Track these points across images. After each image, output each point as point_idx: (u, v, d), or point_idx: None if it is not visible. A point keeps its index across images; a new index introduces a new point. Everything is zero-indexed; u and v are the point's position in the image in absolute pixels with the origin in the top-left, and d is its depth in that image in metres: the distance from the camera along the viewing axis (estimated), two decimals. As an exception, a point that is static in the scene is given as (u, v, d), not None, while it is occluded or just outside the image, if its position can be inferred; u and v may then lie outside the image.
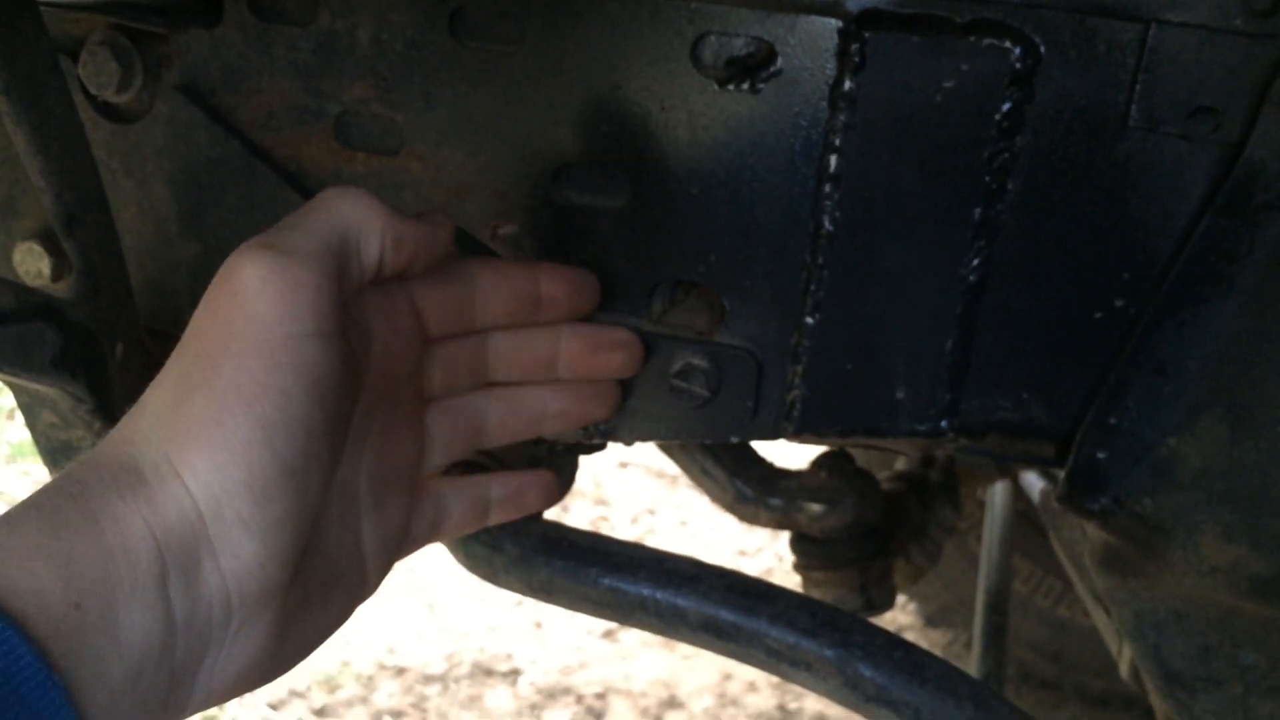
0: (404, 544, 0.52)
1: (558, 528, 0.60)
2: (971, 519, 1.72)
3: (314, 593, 0.45)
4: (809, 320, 0.54)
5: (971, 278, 0.53)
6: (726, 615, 0.54)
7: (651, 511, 2.62)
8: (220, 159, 0.59)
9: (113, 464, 0.40)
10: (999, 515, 1.38)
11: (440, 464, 0.54)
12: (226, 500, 0.39)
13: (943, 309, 0.53)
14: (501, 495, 0.56)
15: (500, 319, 0.53)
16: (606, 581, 0.56)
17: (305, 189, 0.59)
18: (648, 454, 2.80)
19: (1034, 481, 1.80)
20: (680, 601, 0.55)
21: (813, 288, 0.54)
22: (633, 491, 2.70)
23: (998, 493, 1.42)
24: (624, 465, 2.80)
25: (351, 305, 0.45)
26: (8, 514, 0.38)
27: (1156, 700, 0.82)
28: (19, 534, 0.36)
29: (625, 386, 0.58)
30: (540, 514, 0.62)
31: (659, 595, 0.55)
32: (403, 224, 0.47)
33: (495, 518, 0.56)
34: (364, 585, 0.50)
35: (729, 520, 2.62)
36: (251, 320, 0.41)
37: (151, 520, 0.38)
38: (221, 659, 0.41)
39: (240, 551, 0.40)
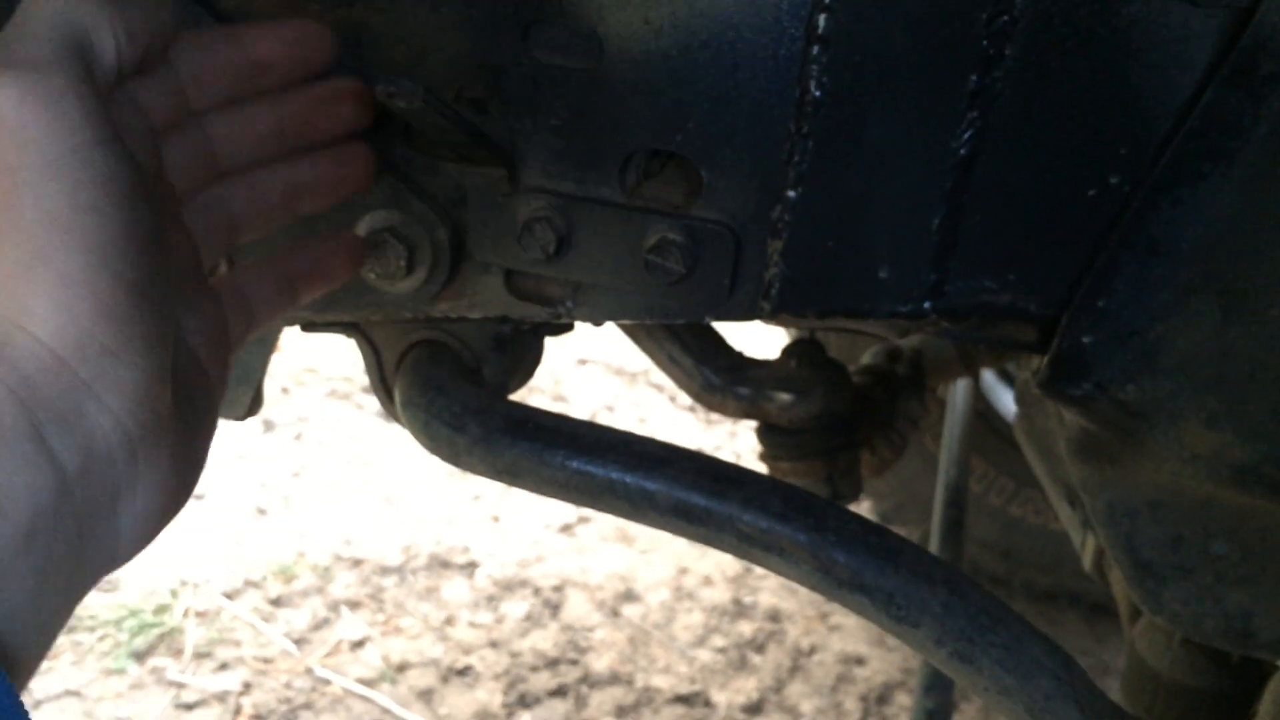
0: (227, 341, 0.49)
1: (523, 409, 0.58)
2: (929, 418, 1.73)
3: (183, 406, 0.43)
4: (791, 194, 0.51)
5: (962, 151, 0.50)
6: (697, 499, 0.53)
7: (610, 409, 2.62)
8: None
9: None
10: (959, 412, 1.38)
11: (211, 262, 0.50)
12: (85, 336, 0.37)
13: (931, 184, 0.51)
14: (305, 269, 0.53)
15: (217, 97, 0.48)
16: (574, 464, 0.54)
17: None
18: (607, 350, 2.79)
19: (992, 381, 1.81)
20: (650, 485, 0.53)
21: (796, 159, 0.51)
22: (591, 388, 2.69)
23: (959, 390, 1.42)
24: (583, 362, 2.78)
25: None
26: None
27: (1123, 590, 0.83)
28: None
29: (598, 262, 0.55)
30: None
31: (628, 478, 0.54)
32: (130, 13, 0.42)
33: (304, 294, 0.53)
34: (209, 389, 0.47)
35: (688, 418, 2.62)
36: (28, 146, 0.37)
37: (7, 379, 0.36)
38: (139, 498, 0.39)
39: (120, 383, 0.38)
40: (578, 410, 2.59)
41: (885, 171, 0.51)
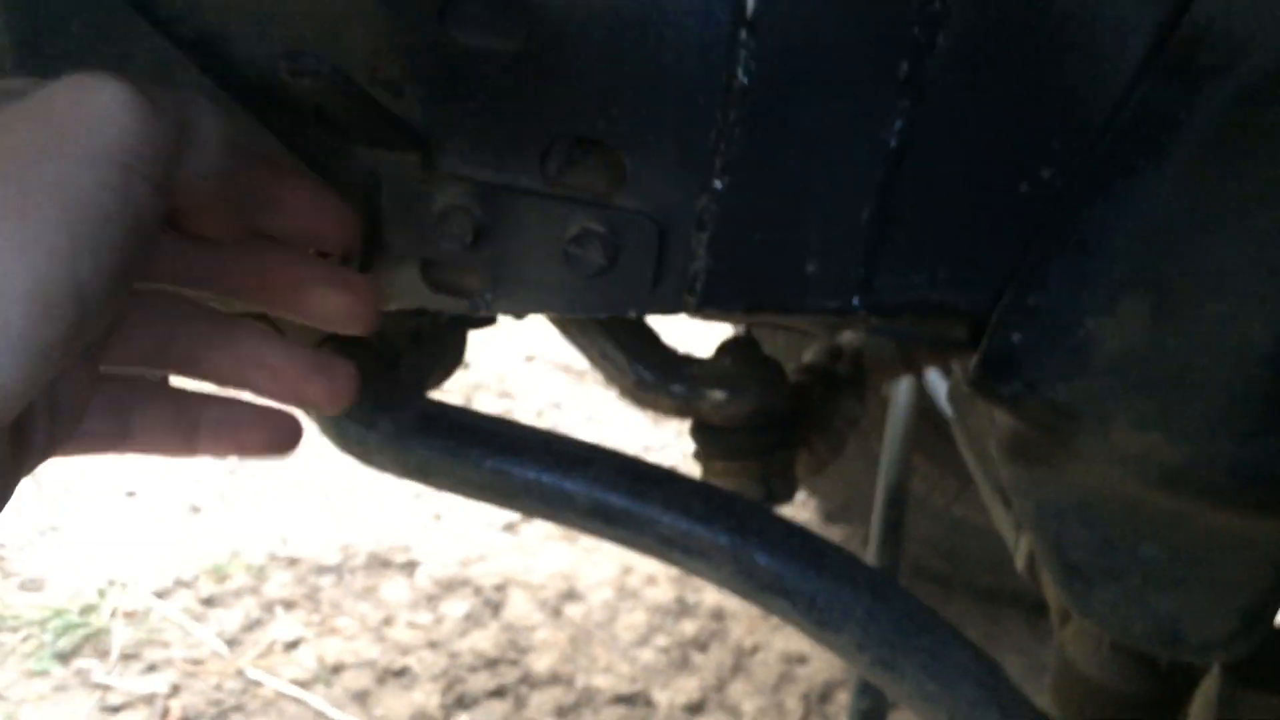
0: (71, 433, 0.45)
1: (437, 405, 0.55)
2: (873, 417, 1.72)
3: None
4: (717, 184, 0.50)
5: (893, 142, 0.49)
6: (616, 500, 0.51)
7: (557, 406, 2.59)
8: (56, -22, 0.51)
9: None
10: (901, 412, 1.37)
11: (136, 363, 0.47)
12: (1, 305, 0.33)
13: (861, 176, 0.49)
14: (215, 421, 0.48)
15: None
16: (489, 464, 0.52)
17: (157, 17, 0.52)
18: (554, 348, 2.76)
19: (937, 381, 1.81)
20: (568, 485, 0.51)
21: (722, 147, 0.49)
22: (538, 385, 2.66)
23: (901, 389, 1.42)
24: (530, 359, 2.75)
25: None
26: None
27: (1053, 592, 0.82)
28: None
29: (517, 253, 0.53)
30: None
31: (545, 478, 0.51)
32: (236, 133, 0.42)
33: (206, 447, 0.48)
34: (22, 451, 0.42)
35: (636, 416, 2.61)
36: (96, 134, 0.36)
37: None
38: None
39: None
40: (525, 407, 2.56)
41: (814, 162, 0.50)
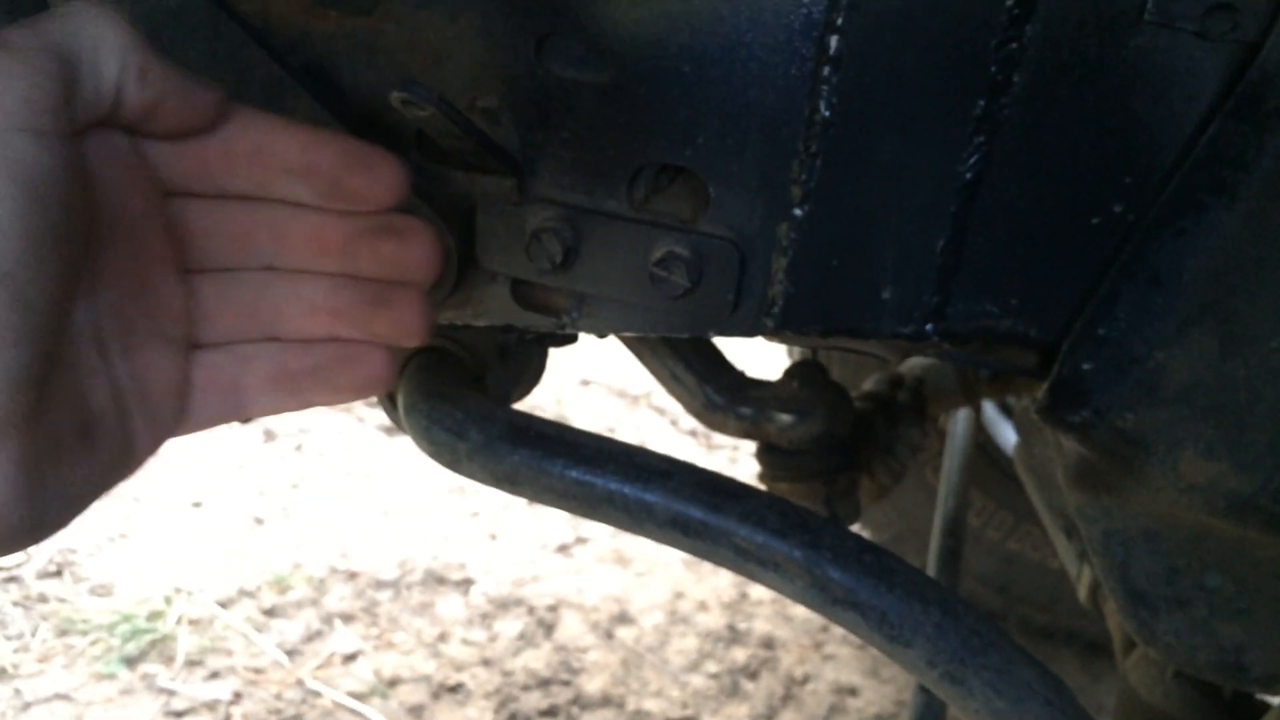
0: (186, 414, 0.48)
1: (525, 417, 0.58)
2: (929, 449, 1.73)
3: (68, 437, 0.42)
4: (797, 212, 0.52)
5: (968, 175, 0.50)
6: (695, 512, 0.53)
7: (611, 430, 2.62)
8: (183, 10, 0.55)
9: None
10: (959, 442, 1.38)
11: (224, 339, 0.50)
12: None
13: (936, 207, 0.51)
14: (312, 369, 0.50)
15: (248, 186, 0.48)
16: (573, 473, 0.54)
17: (271, 46, 0.56)
18: (610, 372, 2.79)
19: (994, 415, 1.81)
20: (648, 496, 0.53)
21: (803, 177, 0.51)
22: (593, 409, 2.69)
23: (959, 420, 1.42)
24: (586, 383, 2.79)
25: (82, 126, 0.41)
26: None
27: (1116, 622, 0.82)
28: None
29: (604, 274, 0.55)
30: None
31: (627, 489, 0.54)
32: (155, 59, 0.42)
33: (314, 396, 0.51)
34: (129, 445, 0.45)
35: (689, 441, 2.61)
36: None
37: None
38: None
39: None
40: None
41: (891, 192, 0.51)
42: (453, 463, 0.58)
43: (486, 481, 0.57)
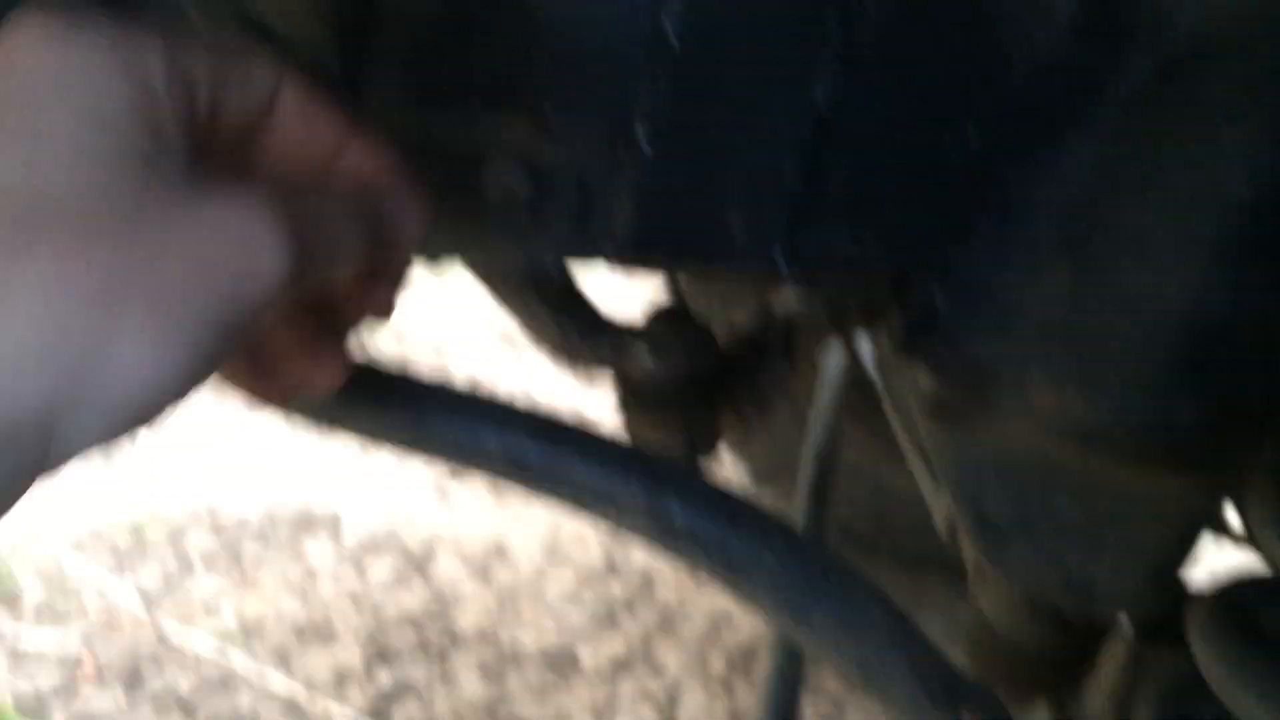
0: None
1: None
2: (805, 382, 1.74)
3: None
4: (641, 134, 0.49)
5: (822, 100, 0.48)
6: (532, 449, 0.50)
7: (493, 377, 2.58)
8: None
9: None
10: (831, 376, 1.38)
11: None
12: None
13: (788, 133, 0.49)
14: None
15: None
16: (404, 411, 0.51)
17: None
18: (490, 315, 2.74)
19: (866, 346, 1.83)
20: (483, 432, 0.51)
21: (648, 99, 0.48)
22: (473, 353, 2.64)
23: (832, 355, 1.43)
24: (465, 326, 2.73)
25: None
26: None
27: (969, 551, 0.83)
28: None
29: (439, 195, 0.52)
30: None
31: (460, 426, 0.51)
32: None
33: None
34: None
35: (574, 387, 2.59)
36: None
37: None
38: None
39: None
40: (460, 377, 2.54)
41: (741, 117, 0.49)
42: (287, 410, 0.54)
43: (311, 420, 0.53)
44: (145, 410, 0.33)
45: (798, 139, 0.49)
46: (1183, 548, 0.61)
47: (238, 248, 0.33)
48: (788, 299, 1.11)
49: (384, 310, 0.49)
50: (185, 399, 0.35)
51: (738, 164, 0.50)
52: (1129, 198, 0.47)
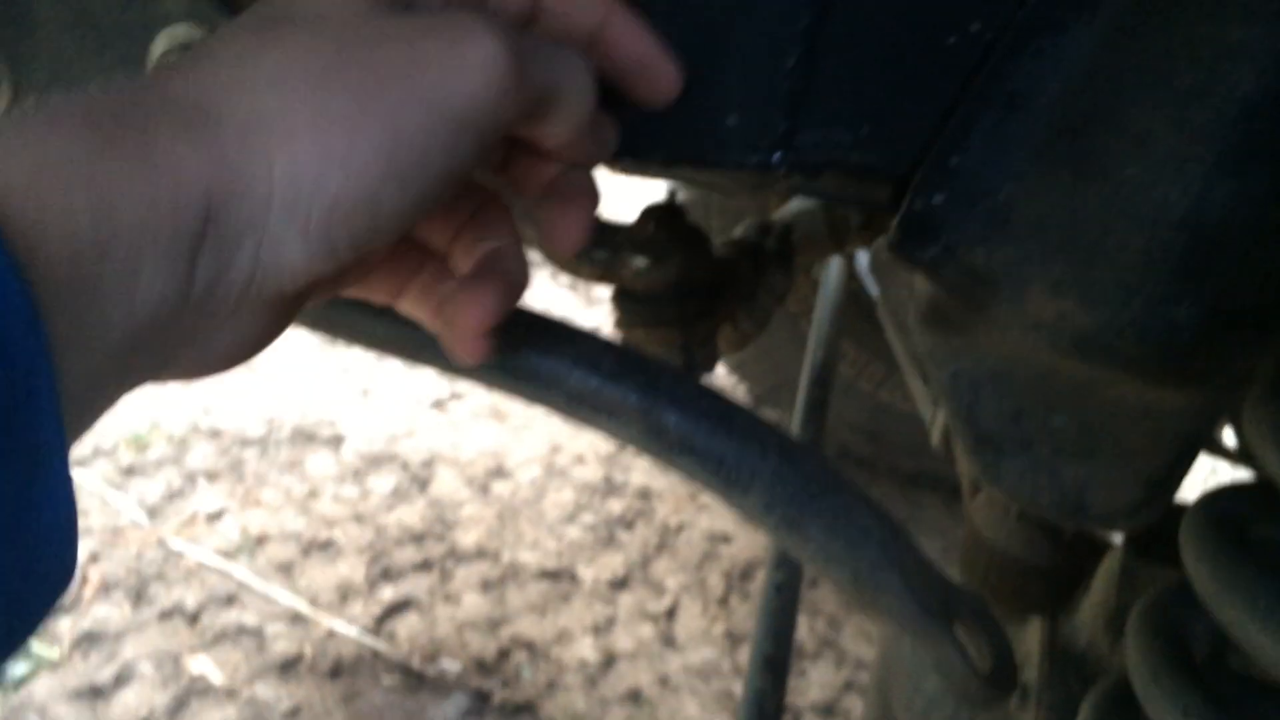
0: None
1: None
2: (804, 300, 1.73)
3: None
4: None
5: None
6: (525, 355, 0.49)
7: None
8: None
9: (187, 103, 0.32)
10: (830, 293, 1.37)
11: None
12: (304, 202, 0.33)
13: (785, 24, 0.47)
14: None
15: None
16: (394, 318, 0.50)
17: None
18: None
19: (866, 264, 1.82)
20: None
21: None
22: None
23: (831, 271, 1.41)
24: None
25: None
26: (52, 117, 0.29)
27: (964, 464, 0.83)
28: (64, 151, 0.29)
29: None
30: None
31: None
32: None
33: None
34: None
35: (567, 295, 2.58)
36: (452, 85, 0.35)
37: (214, 182, 0.31)
38: (201, 346, 0.36)
39: (283, 254, 0.34)
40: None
41: (736, 8, 0.47)
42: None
43: (306, 325, 0.52)
44: (340, 206, 0.34)
45: (795, 28, 0.47)
46: (1179, 464, 0.60)
47: (446, 49, 0.35)
48: (785, 210, 1.09)
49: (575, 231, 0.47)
50: (385, 214, 0.35)
51: (734, 56, 0.48)
52: (1131, 93, 0.46)
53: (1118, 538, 0.80)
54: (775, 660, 0.92)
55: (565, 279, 2.63)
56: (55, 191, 0.28)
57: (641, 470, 2.09)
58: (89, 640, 1.54)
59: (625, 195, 1.34)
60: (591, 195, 0.46)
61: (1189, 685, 0.53)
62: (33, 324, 0.26)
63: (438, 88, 0.35)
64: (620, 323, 0.80)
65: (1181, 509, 0.65)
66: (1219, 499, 0.54)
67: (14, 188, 0.27)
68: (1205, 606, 0.51)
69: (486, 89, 0.36)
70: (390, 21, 0.37)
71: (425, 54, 0.35)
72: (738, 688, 1.70)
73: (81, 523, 1.70)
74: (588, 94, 0.42)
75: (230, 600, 1.65)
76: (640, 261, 0.75)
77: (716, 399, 0.50)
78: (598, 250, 0.76)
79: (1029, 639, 0.83)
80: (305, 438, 2.00)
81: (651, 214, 0.77)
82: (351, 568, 1.75)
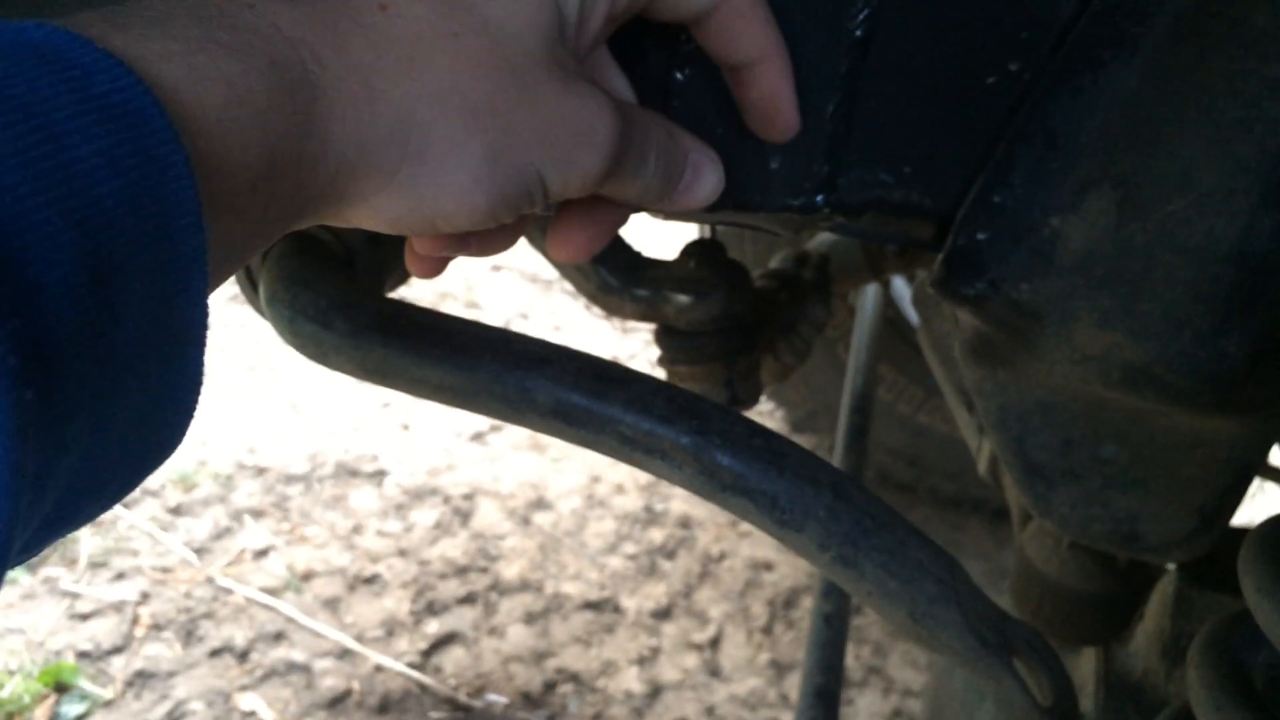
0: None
1: (396, 304, 0.54)
2: (842, 326, 1.73)
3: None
4: (678, 75, 0.48)
5: (858, 32, 0.47)
6: (578, 399, 0.50)
7: (524, 315, 2.58)
8: None
9: (358, 73, 0.35)
10: (868, 319, 1.37)
11: None
12: (403, 222, 0.37)
13: (826, 68, 0.48)
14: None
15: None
16: (449, 363, 0.51)
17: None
18: (522, 258, 2.74)
19: (903, 289, 1.81)
20: (529, 384, 0.50)
21: (684, 39, 0.48)
22: (505, 295, 2.65)
23: (868, 296, 1.41)
24: (497, 269, 2.73)
25: None
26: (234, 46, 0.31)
27: (1014, 495, 0.83)
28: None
29: None
30: None
31: (505, 378, 0.51)
32: None
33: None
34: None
35: (603, 326, 2.59)
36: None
37: (346, 149, 0.35)
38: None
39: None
40: (492, 317, 2.55)
41: None
42: (319, 355, 0.54)
43: (356, 375, 0.53)
44: (446, 206, 0.37)
45: (835, 71, 0.48)
46: (1232, 492, 0.60)
47: (585, 124, 0.39)
48: (821, 239, 1.10)
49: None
50: (467, 225, 0.38)
51: None
52: (1173, 128, 0.46)
53: (1170, 564, 0.80)
54: (826, 692, 0.92)
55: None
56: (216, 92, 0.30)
57: (681, 499, 2.09)
58: (141, 679, 1.56)
59: (659, 232, 1.35)
60: (613, 218, 0.47)
61: (1251, 718, 0.53)
62: (188, 180, 0.28)
63: (562, 162, 0.39)
64: (664, 360, 0.81)
65: (1234, 532, 0.64)
66: (1278, 528, 0.53)
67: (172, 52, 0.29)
68: (1267, 636, 0.51)
69: (597, 164, 0.40)
70: (552, 64, 0.39)
71: (563, 118, 0.39)
72: (785, 717, 1.69)
73: (131, 563, 1.71)
74: (655, 185, 0.44)
75: (278, 637, 1.66)
76: (683, 299, 0.76)
77: (769, 437, 0.51)
78: (640, 289, 0.76)
79: (1083, 668, 0.82)
80: (348, 473, 2.02)
81: (692, 251, 0.78)
82: (397, 602, 1.76)
